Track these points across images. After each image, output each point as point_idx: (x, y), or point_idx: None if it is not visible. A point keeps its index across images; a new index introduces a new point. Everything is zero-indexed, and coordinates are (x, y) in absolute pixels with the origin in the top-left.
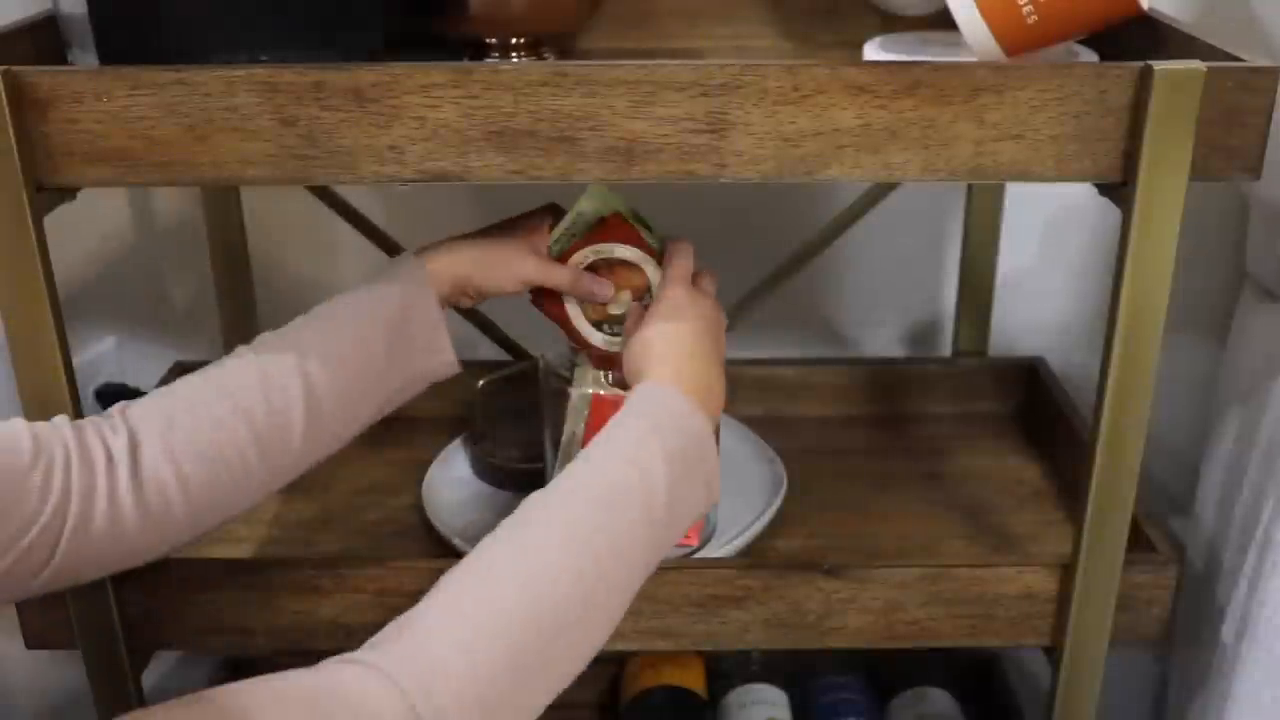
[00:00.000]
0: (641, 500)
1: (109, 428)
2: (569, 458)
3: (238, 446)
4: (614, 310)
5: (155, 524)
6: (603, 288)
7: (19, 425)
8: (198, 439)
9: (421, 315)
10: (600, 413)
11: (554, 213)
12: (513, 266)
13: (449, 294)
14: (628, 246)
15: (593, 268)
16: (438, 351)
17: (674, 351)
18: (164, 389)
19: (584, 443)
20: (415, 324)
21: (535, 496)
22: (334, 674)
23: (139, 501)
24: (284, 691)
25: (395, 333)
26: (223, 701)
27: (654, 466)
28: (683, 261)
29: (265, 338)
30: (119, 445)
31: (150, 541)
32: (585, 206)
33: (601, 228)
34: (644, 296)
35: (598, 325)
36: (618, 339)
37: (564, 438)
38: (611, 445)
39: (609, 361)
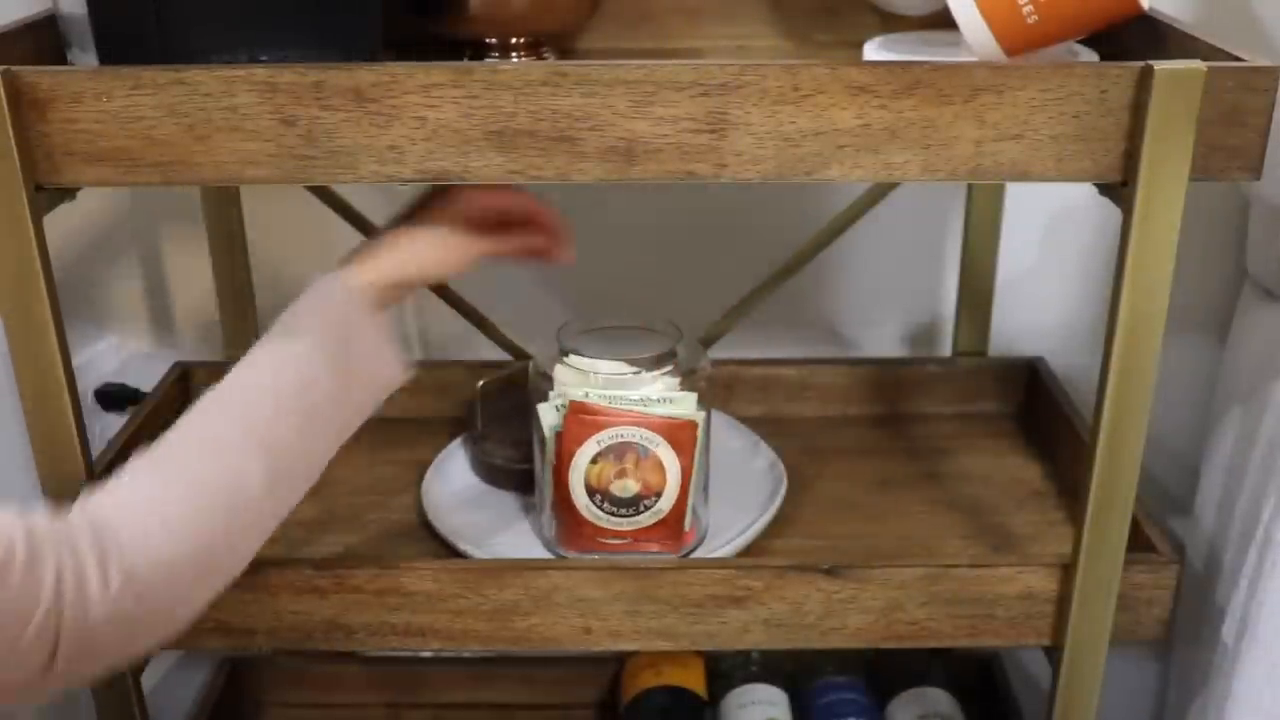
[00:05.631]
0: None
1: (90, 539)
2: (544, 455)
3: (218, 535)
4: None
5: (153, 620)
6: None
7: (11, 535)
8: (177, 542)
9: (364, 340)
10: (575, 414)
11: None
12: (447, 256)
13: (386, 300)
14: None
15: None
16: (386, 365)
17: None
18: (128, 484)
19: (554, 443)
20: (359, 352)
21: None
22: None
23: (134, 608)
24: None
25: (339, 366)
26: None
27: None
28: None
29: (209, 409)
30: (113, 566)
31: (153, 633)
32: None
33: None
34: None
35: None
36: None
37: (546, 436)
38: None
39: None
